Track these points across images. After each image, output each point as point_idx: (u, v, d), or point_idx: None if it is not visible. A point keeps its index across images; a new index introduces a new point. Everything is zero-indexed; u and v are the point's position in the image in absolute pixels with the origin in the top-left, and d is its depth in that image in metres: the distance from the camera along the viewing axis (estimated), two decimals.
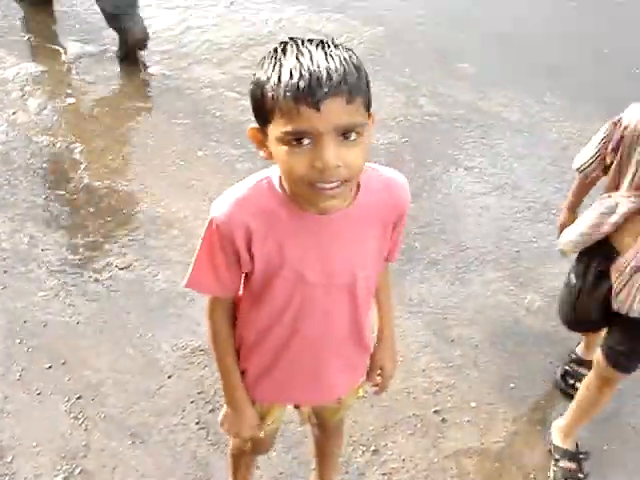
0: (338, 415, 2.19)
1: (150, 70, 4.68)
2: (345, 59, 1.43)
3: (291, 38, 1.47)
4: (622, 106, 2.27)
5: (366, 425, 2.78)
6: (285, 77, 1.39)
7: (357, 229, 1.66)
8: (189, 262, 1.71)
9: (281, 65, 1.41)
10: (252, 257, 1.64)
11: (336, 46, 1.45)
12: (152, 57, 4.77)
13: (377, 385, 2.07)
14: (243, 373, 1.88)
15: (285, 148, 1.44)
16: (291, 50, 1.43)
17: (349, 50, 1.47)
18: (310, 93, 1.37)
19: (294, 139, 1.42)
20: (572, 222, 2.53)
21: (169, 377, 2.88)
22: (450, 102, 4.75)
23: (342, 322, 1.79)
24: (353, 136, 1.43)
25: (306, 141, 1.41)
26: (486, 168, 4.21)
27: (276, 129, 1.43)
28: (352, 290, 1.74)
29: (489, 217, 3.84)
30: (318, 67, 1.38)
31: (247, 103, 1.52)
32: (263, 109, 1.45)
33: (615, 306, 2.36)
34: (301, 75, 1.37)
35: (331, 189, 1.46)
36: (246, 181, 1.64)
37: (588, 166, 2.42)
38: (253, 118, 1.51)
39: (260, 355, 1.83)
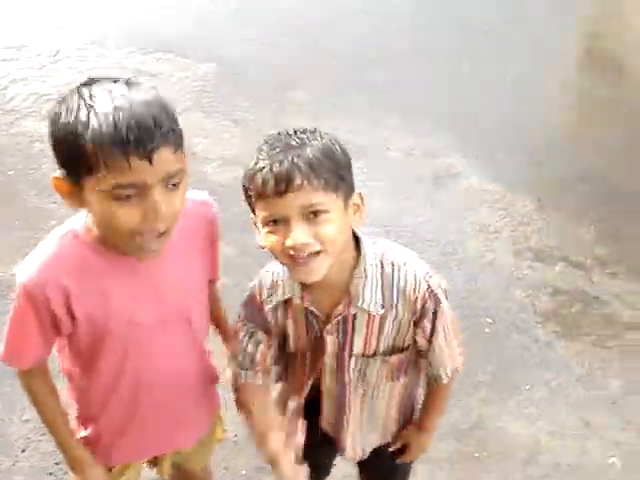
0: (203, 461, 2.09)
1: None
2: (160, 103, 1.35)
3: (92, 79, 1.37)
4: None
5: (237, 470, 2.69)
6: (107, 128, 1.27)
7: (179, 258, 1.59)
8: None
9: (96, 112, 1.29)
10: (74, 317, 1.52)
11: (139, 85, 1.37)
12: None
13: None
14: (95, 440, 1.77)
15: (110, 201, 1.33)
16: (100, 93, 1.31)
17: (153, 88, 1.38)
18: (141, 145, 1.28)
19: (121, 192, 1.32)
20: None
21: (23, 451, 2.70)
22: None
23: (186, 356, 1.72)
24: (176, 181, 1.38)
25: (131, 192, 1.32)
26: None
27: (101, 182, 1.32)
28: (188, 321, 1.67)
29: None
30: (141, 115, 1.29)
31: None
32: (80, 160, 1.31)
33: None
34: (127, 126, 1.27)
35: (157, 237, 1.41)
36: (48, 239, 1.53)
37: None
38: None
39: (111, 415, 1.72)
